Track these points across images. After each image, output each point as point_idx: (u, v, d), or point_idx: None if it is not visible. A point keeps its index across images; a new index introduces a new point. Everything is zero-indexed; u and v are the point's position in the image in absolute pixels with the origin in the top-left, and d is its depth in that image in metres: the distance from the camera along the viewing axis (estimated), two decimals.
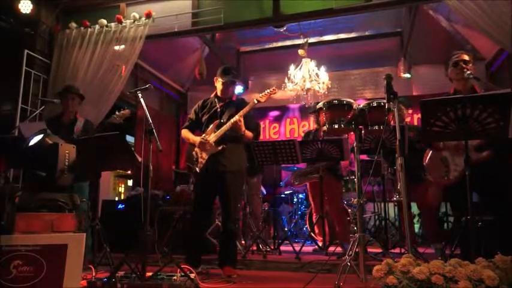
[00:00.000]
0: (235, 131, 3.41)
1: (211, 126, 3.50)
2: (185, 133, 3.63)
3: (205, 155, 3.46)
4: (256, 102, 3.44)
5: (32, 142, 2.93)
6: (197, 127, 3.67)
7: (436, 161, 3.22)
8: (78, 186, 3.54)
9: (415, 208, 5.06)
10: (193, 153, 3.54)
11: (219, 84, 3.59)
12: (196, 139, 3.51)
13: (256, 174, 5.22)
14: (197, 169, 3.47)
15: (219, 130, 3.44)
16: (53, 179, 2.70)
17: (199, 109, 3.68)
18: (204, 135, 3.51)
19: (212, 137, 3.45)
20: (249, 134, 3.50)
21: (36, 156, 2.86)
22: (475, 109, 2.35)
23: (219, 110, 3.56)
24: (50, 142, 2.94)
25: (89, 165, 3.35)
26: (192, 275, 2.81)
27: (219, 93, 3.62)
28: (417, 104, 3.87)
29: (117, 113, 3.88)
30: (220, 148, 3.41)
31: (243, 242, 4.70)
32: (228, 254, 3.48)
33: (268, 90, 3.51)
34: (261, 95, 3.48)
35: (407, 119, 7.00)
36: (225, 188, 3.42)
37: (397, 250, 4.24)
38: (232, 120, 3.37)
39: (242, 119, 3.37)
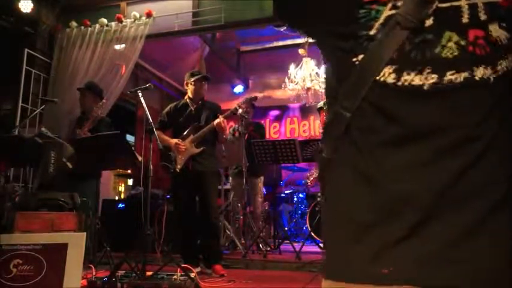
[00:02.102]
0: (214, 132, 3.57)
1: (189, 128, 3.61)
2: (160, 134, 3.65)
3: (183, 156, 3.55)
4: (235, 108, 3.75)
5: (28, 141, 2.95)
6: (168, 129, 3.81)
7: None
8: (80, 186, 3.54)
9: None
10: (171, 153, 3.62)
11: (190, 86, 3.74)
12: (171, 141, 3.61)
13: (259, 175, 5.22)
14: (177, 169, 3.55)
15: (200, 132, 3.56)
16: (41, 178, 2.71)
17: (173, 112, 3.79)
18: (185, 137, 3.61)
19: (191, 139, 3.57)
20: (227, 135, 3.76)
21: (28, 156, 2.87)
22: None
23: (193, 112, 3.70)
24: (39, 141, 2.94)
25: (89, 165, 3.35)
26: (192, 275, 2.81)
27: (191, 95, 3.76)
28: None
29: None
30: (200, 150, 3.53)
31: (243, 241, 4.70)
32: (216, 252, 3.54)
33: (248, 99, 3.86)
34: (241, 102, 3.79)
35: None
36: (206, 186, 3.56)
37: None
38: (216, 122, 3.50)
39: (225, 121, 3.54)
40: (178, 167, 3.54)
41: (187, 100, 3.78)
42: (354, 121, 0.65)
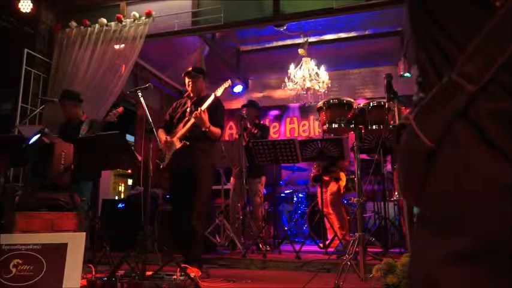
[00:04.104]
0: (199, 126, 3.42)
1: (180, 124, 3.57)
2: (159, 133, 3.61)
3: (169, 152, 3.52)
4: (213, 96, 3.54)
5: (31, 141, 2.94)
6: (171, 127, 3.76)
7: None
8: (77, 186, 3.55)
9: (415, 207, 5.05)
10: (162, 151, 3.60)
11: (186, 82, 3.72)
12: (162, 139, 3.57)
13: (259, 176, 5.20)
14: (161, 165, 3.51)
15: (185, 127, 3.50)
16: (49, 178, 2.71)
17: (172, 110, 3.79)
18: (175, 133, 3.58)
19: (179, 134, 3.51)
20: (214, 129, 3.48)
21: (33, 155, 2.86)
22: None
23: (188, 108, 3.66)
24: (47, 141, 2.94)
25: (89, 165, 3.35)
26: (192, 274, 2.81)
27: (189, 91, 3.74)
28: None
29: (113, 110, 3.92)
30: (181, 144, 3.43)
31: (242, 241, 4.70)
32: (189, 254, 3.40)
33: (224, 84, 3.73)
34: (218, 89, 3.65)
35: None
36: (194, 183, 3.43)
37: (397, 250, 4.24)
38: (193, 114, 3.39)
39: (205, 113, 3.37)
40: (165, 162, 3.49)
41: (186, 98, 3.78)
42: (481, 100, 0.43)
